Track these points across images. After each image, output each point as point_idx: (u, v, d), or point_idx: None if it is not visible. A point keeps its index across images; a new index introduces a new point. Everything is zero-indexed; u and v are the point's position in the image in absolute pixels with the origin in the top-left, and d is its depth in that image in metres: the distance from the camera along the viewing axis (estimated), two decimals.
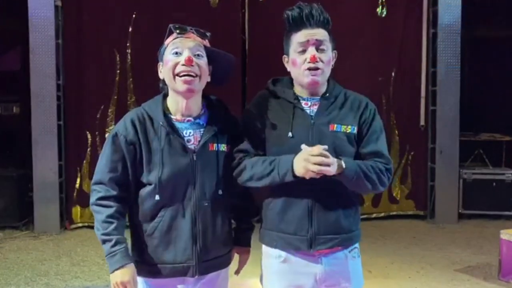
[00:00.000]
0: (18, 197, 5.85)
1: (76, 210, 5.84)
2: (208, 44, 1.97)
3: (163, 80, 1.96)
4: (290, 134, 1.98)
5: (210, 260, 1.96)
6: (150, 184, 1.90)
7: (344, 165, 1.88)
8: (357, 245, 2.11)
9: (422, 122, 6.27)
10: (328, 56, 2.00)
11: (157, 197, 1.88)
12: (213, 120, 1.97)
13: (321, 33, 1.98)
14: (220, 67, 2.00)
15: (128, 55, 5.83)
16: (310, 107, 2.03)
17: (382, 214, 6.27)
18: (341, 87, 2.11)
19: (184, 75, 1.87)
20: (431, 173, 6.27)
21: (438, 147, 6.14)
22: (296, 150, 1.92)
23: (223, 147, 1.97)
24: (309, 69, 1.96)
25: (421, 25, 6.17)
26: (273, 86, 2.11)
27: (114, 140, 1.91)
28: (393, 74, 6.17)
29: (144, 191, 1.92)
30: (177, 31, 1.91)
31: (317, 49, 1.97)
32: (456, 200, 6.18)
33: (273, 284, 2.06)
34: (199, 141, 1.92)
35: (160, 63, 1.96)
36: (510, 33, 7.45)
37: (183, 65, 1.86)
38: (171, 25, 1.93)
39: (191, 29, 1.92)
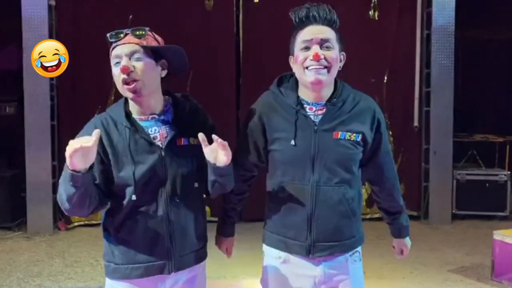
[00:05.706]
0: (11, 198, 5.82)
1: None
2: (148, 42, 1.87)
3: None
4: (292, 142, 1.92)
5: (186, 255, 1.93)
6: (125, 185, 1.85)
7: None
8: (359, 248, 2.10)
9: (415, 123, 6.29)
10: (335, 54, 1.91)
11: (133, 197, 1.84)
12: (179, 115, 1.95)
13: (327, 31, 1.91)
14: (173, 58, 1.94)
15: None
16: (315, 112, 1.94)
17: (377, 215, 6.26)
18: (350, 89, 2.02)
19: (126, 83, 1.85)
20: (424, 174, 6.28)
21: (431, 148, 6.15)
22: (299, 159, 1.91)
23: (192, 140, 1.92)
24: (310, 67, 1.88)
25: (415, 26, 6.18)
26: (276, 88, 2.02)
27: None
28: (386, 75, 6.18)
29: (118, 193, 1.87)
30: (113, 39, 1.87)
31: (321, 47, 1.89)
32: (450, 200, 6.19)
33: (272, 285, 2.04)
34: (166, 137, 1.90)
35: None
36: (504, 34, 7.49)
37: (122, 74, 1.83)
38: (107, 35, 1.87)
39: (127, 31, 1.86)
